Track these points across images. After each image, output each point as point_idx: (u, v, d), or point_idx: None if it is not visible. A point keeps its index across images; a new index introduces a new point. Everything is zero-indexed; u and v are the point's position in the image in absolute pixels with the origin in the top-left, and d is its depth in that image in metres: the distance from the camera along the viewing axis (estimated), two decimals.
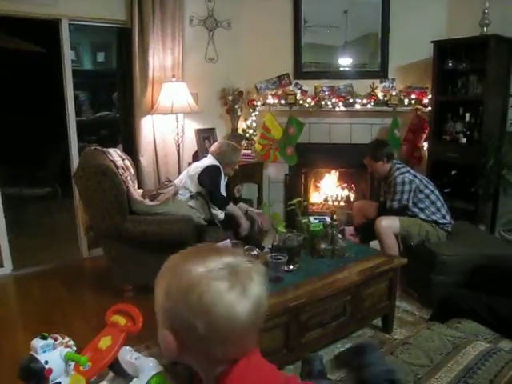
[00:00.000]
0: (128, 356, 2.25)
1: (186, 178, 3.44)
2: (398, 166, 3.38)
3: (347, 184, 4.82)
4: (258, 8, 4.36)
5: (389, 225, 3.22)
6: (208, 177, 3.36)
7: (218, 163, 3.43)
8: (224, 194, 3.47)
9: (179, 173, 3.96)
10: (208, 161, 3.46)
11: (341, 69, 4.44)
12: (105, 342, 2.13)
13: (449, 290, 2.25)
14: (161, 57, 3.86)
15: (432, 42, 3.81)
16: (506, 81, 3.75)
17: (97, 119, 6.20)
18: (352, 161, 4.46)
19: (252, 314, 0.82)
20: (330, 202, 4.78)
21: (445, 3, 4.09)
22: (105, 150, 3.40)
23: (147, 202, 3.26)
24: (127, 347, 2.11)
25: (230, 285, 0.80)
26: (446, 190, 3.94)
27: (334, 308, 2.45)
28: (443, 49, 3.84)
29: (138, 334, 2.05)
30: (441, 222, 3.26)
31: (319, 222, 3.00)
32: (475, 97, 3.75)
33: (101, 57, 6.96)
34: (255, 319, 0.83)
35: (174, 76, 3.87)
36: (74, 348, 1.89)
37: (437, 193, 3.33)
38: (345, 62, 4.46)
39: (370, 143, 3.59)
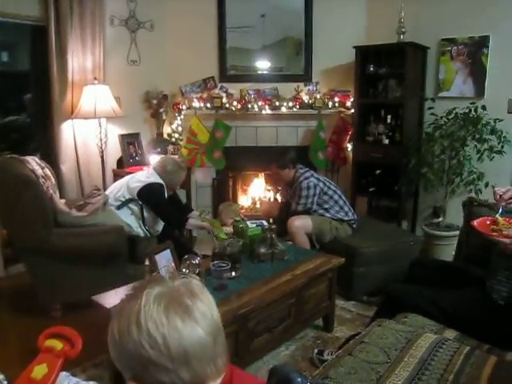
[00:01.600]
0: (66, 383, 2.07)
1: (124, 191, 3.16)
2: (301, 171, 3.47)
3: (274, 186, 4.85)
4: (182, 9, 4.25)
5: (301, 224, 3.32)
6: (151, 195, 3.13)
7: (161, 181, 3.20)
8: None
9: (104, 181, 3.76)
10: (151, 178, 3.20)
11: (265, 72, 4.47)
12: (39, 370, 1.93)
13: (391, 286, 2.33)
14: (80, 58, 3.62)
15: (354, 47, 3.95)
16: (422, 85, 3.99)
17: (4, 124, 5.67)
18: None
19: (205, 328, 0.80)
20: (258, 205, 4.79)
21: (363, 10, 4.27)
22: (22, 158, 3.10)
23: (74, 212, 3.02)
24: (63, 372, 1.92)
25: (169, 311, 0.78)
26: (371, 189, 4.12)
27: (279, 312, 2.45)
28: (364, 54, 4.00)
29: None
30: (345, 219, 3.43)
31: (256, 225, 2.99)
32: (395, 100, 3.95)
33: (4, 56, 6.39)
34: (212, 332, 0.81)
35: (95, 79, 3.65)
36: (5, 383, 1.69)
37: (338, 192, 3.48)
38: (263, 65, 4.49)
39: (275, 153, 3.61)
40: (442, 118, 3.66)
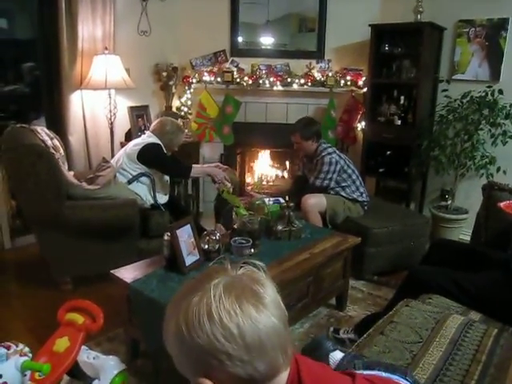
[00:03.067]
0: (85, 356, 2.05)
1: (124, 158, 3.17)
2: (324, 145, 3.43)
3: (282, 163, 4.83)
4: None
5: (316, 203, 3.30)
6: (152, 153, 3.12)
7: (158, 141, 3.19)
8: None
9: (112, 153, 3.69)
10: (148, 139, 3.20)
11: (275, 48, 4.38)
12: (61, 343, 1.92)
13: (415, 267, 2.33)
14: (90, 27, 3.50)
15: (370, 25, 3.89)
16: (436, 66, 3.95)
17: (2, 94, 5.53)
18: (288, 141, 4.48)
19: (276, 315, 0.79)
20: (265, 182, 4.77)
21: None
22: (32, 127, 3.04)
23: (85, 185, 2.98)
24: (82, 346, 1.90)
25: (241, 300, 0.76)
26: (381, 170, 4.11)
27: (298, 290, 2.45)
28: (380, 32, 3.93)
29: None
30: (360, 199, 3.42)
31: (274, 202, 2.97)
32: (409, 80, 3.91)
33: (3, 23, 6.18)
34: (282, 318, 0.81)
35: (106, 48, 3.54)
36: (30, 355, 1.67)
37: (357, 172, 3.47)
38: (266, 41, 4.41)
39: (300, 121, 3.53)
40: (455, 100, 3.64)
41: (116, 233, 2.94)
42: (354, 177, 3.41)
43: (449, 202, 3.89)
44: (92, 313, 2.06)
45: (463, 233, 3.73)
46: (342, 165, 3.36)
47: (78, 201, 2.86)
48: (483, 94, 3.50)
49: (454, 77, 3.87)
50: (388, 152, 4.09)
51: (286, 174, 4.81)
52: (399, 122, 3.96)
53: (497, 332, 1.76)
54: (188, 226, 2.36)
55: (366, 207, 3.45)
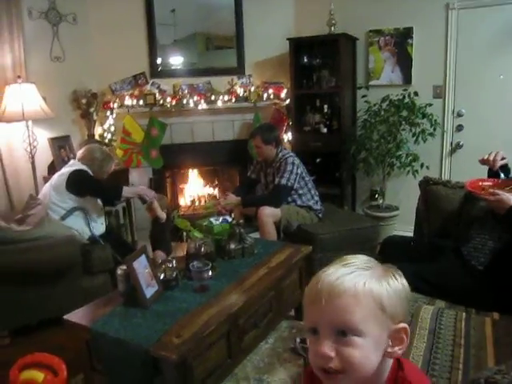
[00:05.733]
0: None
1: (51, 192, 2.95)
2: (285, 151, 3.56)
3: (213, 182, 4.78)
4: (106, 1, 3.98)
5: (271, 213, 3.33)
6: (80, 179, 2.95)
7: (84, 167, 3.03)
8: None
9: (36, 189, 3.42)
10: (72, 167, 3.03)
11: (199, 66, 4.36)
12: None
13: None
14: None
15: (288, 39, 4.01)
16: (353, 74, 4.16)
17: None
18: (216, 158, 4.49)
19: None
20: (197, 203, 4.68)
21: (292, 3, 4.35)
22: None
23: (15, 227, 2.71)
24: None
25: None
26: (312, 178, 4.20)
27: (263, 306, 2.41)
28: (297, 46, 4.07)
29: None
30: (314, 207, 3.52)
31: (222, 222, 2.92)
32: (329, 89, 4.08)
33: None
34: None
35: (19, 77, 3.29)
36: None
37: (311, 182, 3.58)
38: (176, 60, 4.39)
39: (261, 126, 3.67)
40: (375, 105, 3.85)
41: (56, 274, 2.70)
42: (309, 185, 3.51)
43: (380, 201, 4.08)
44: (52, 366, 1.87)
45: (397, 229, 3.92)
46: (301, 171, 3.45)
47: (8, 245, 2.59)
48: (400, 96, 3.74)
49: (370, 83, 4.11)
50: (317, 160, 4.21)
51: (217, 192, 4.76)
52: (325, 130, 4.11)
53: (466, 315, 1.87)
54: (143, 257, 2.24)
55: (320, 215, 3.53)
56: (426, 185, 2.76)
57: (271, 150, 3.46)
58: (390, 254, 2.49)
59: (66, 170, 3.03)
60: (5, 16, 3.28)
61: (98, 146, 3.25)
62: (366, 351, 0.77)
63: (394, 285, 0.81)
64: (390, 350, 0.80)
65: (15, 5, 3.35)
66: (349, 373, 0.76)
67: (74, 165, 3.06)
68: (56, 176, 3.03)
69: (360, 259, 0.84)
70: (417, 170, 3.73)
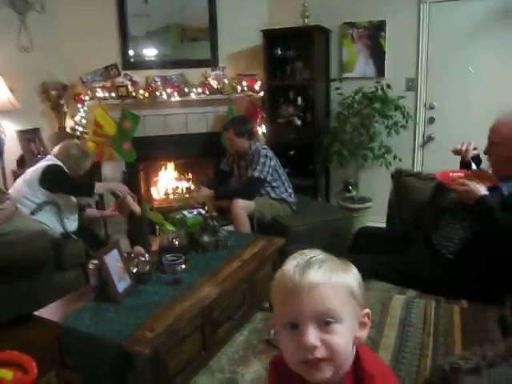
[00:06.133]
0: None
1: (24, 187, 2.89)
2: (259, 143, 3.56)
3: (186, 175, 4.74)
4: None
5: (245, 206, 3.34)
6: (54, 175, 2.90)
7: (60, 163, 2.97)
8: None
9: (5, 184, 3.33)
10: (48, 162, 2.97)
11: (173, 58, 4.30)
12: None
13: (347, 257, 2.42)
14: None
15: (261, 31, 3.99)
16: (327, 66, 4.17)
17: None
18: (190, 151, 4.45)
19: None
20: (172, 196, 4.64)
21: None
22: None
23: None
24: None
25: None
26: (286, 170, 4.21)
27: (236, 299, 2.42)
28: (271, 37, 4.05)
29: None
30: (288, 200, 3.53)
31: (195, 214, 2.90)
32: (303, 81, 4.08)
33: None
34: None
35: None
36: None
37: (285, 174, 3.60)
38: (149, 52, 4.33)
39: (233, 119, 3.68)
40: (348, 97, 3.88)
41: (27, 269, 2.64)
42: (283, 178, 3.53)
43: (353, 192, 4.12)
44: (21, 364, 1.84)
45: (370, 220, 3.97)
46: (275, 164, 3.46)
47: None
48: (374, 89, 3.77)
49: (344, 75, 4.13)
50: (291, 152, 4.22)
51: (191, 185, 4.73)
52: (299, 123, 4.12)
53: (435, 304, 1.91)
54: (115, 251, 2.21)
55: (293, 207, 3.55)
56: (398, 176, 2.80)
57: (244, 142, 3.46)
58: (363, 244, 2.51)
59: (40, 164, 2.97)
60: None
61: (75, 142, 3.22)
62: (346, 337, 0.82)
63: (356, 274, 0.87)
64: (358, 334, 0.85)
65: None
66: (333, 360, 0.80)
67: (49, 160, 3.00)
68: (30, 170, 2.98)
69: (319, 253, 0.88)
70: (390, 162, 3.78)
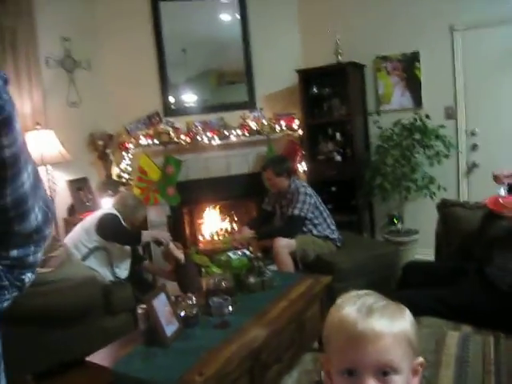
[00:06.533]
0: None
1: (81, 232, 3.00)
2: (298, 181, 3.56)
3: (230, 215, 4.79)
4: (118, 46, 4.15)
5: (286, 244, 3.30)
6: (109, 223, 2.99)
7: (116, 212, 3.07)
8: None
9: (56, 231, 3.47)
10: (106, 210, 3.11)
11: (212, 103, 4.46)
12: None
13: (397, 293, 2.35)
14: (18, 103, 3.36)
15: (297, 71, 4.08)
16: (363, 100, 4.19)
17: None
18: (232, 192, 4.51)
19: None
20: (216, 238, 4.69)
21: (297, 36, 4.44)
22: None
23: (37, 269, 2.75)
24: None
25: None
26: (328, 206, 4.18)
27: (285, 340, 2.37)
28: (306, 76, 4.14)
29: None
30: (331, 236, 3.48)
31: (240, 255, 2.91)
32: (341, 117, 4.11)
33: None
34: None
35: (38, 124, 3.40)
36: None
37: (327, 211, 3.56)
38: (188, 98, 4.50)
39: (272, 158, 3.70)
40: (387, 130, 3.86)
41: (77, 315, 2.72)
42: (324, 215, 3.49)
43: (398, 225, 4.03)
44: None
45: (418, 253, 3.86)
46: (315, 201, 3.44)
47: (30, 287, 2.62)
48: (412, 120, 3.74)
49: (381, 108, 4.13)
50: (333, 188, 4.20)
51: (235, 226, 4.77)
52: (339, 158, 4.12)
53: (494, 340, 1.81)
54: (163, 295, 2.24)
55: (338, 244, 3.49)
56: (444, 207, 2.73)
57: (283, 181, 3.46)
58: (412, 279, 2.45)
59: (99, 212, 3.12)
60: (24, 66, 3.42)
61: (131, 193, 3.39)
62: None
63: (411, 319, 0.85)
64: (410, 382, 0.83)
65: (33, 54, 3.49)
66: None
67: (107, 209, 3.15)
68: (89, 217, 3.12)
69: (377, 297, 0.87)
70: (434, 193, 3.69)
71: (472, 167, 3.88)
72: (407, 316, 0.84)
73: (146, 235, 3.21)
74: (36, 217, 0.77)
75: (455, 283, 2.24)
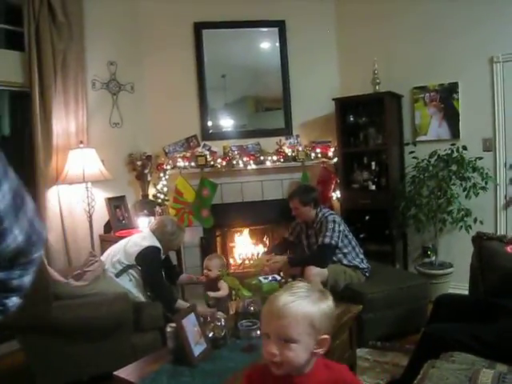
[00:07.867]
0: None
1: (121, 252, 3.04)
2: (325, 210, 3.50)
3: (262, 240, 4.81)
4: (161, 70, 4.31)
5: (318, 273, 3.25)
6: (149, 259, 3.00)
7: (158, 244, 3.08)
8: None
9: (92, 247, 3.57)
10: (149, 240, 3.08)
11: (248, 128, 4.55)
12: None
13: (430, 326, 2.30)
14: (64, 122, 3.54)
15: (334, 99, 4.13)
16: (400, 131, 4.19)
17: None
18: (265, 217, 4.54)
19: None
20: (247, 262, 4.70)
21: (336, 65, 4.52)
22: None
23: (73, 282, 2.84)
24: None
25: None
26: (362, 235, 4.15)
27: None
28: (343, 105, 4.17)
29: None
30: (360, 266, 3.43)
31: (270, 280, 2.92)
32: (376, 147, 4.11)
33: None
34: None
35: (81, 142, 3.55)
36: None
37: (355, 240, 3.51)
38: (226, 123, 4.59)
39: (299, 187, 3.66)
40: (423, 160, 3.83)
41: (108, 330, 2.77)
42: (353, 243, 3.43)
43: (432, 258, 3.95)
44: None
45: (452, 287, 3.76)
46: (344, 229, 3.39)
47: (64, 300, 2.71)
48: (449, 151, 3.70)
49: (417, 139, 4.11)
50: (366, 217, 4.17)
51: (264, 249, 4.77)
52: (373, 187, 4.10)
53: None
54: (192, 315, 2.27)
55: (366, 274, 3.44)
56: (480, 240, 2.67)
57: (310, 211, 3.43)
58: (444, 313, 2.39)
59: (139, 240, 3.08)
60: (72, 87, 3.60)
61: (170, 218, 3.36)
62: (298, 352, 1.16)
63: (323, 308, 1.20)
64: (315, 351, 1.19)
65: (81, 76, 3.68)
66: (285, 364, 1.16)
67: (150, 237, 3.10)
68: (131, 242, 3.10)
69: (301, 288, 1.22)
70: (470, 225, 3.61)
71: (510, 201, 3.79)
72: (319, 305, 1.19)
73: (181, 304, 3.02)
74: (15, 238, 0.73)
75: (490, 320, 2.18)
